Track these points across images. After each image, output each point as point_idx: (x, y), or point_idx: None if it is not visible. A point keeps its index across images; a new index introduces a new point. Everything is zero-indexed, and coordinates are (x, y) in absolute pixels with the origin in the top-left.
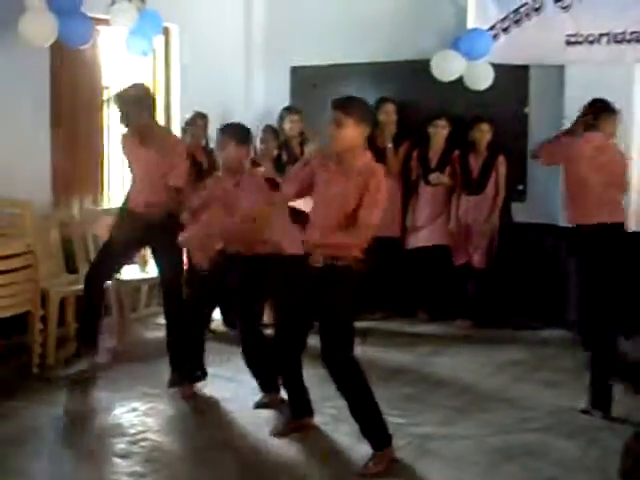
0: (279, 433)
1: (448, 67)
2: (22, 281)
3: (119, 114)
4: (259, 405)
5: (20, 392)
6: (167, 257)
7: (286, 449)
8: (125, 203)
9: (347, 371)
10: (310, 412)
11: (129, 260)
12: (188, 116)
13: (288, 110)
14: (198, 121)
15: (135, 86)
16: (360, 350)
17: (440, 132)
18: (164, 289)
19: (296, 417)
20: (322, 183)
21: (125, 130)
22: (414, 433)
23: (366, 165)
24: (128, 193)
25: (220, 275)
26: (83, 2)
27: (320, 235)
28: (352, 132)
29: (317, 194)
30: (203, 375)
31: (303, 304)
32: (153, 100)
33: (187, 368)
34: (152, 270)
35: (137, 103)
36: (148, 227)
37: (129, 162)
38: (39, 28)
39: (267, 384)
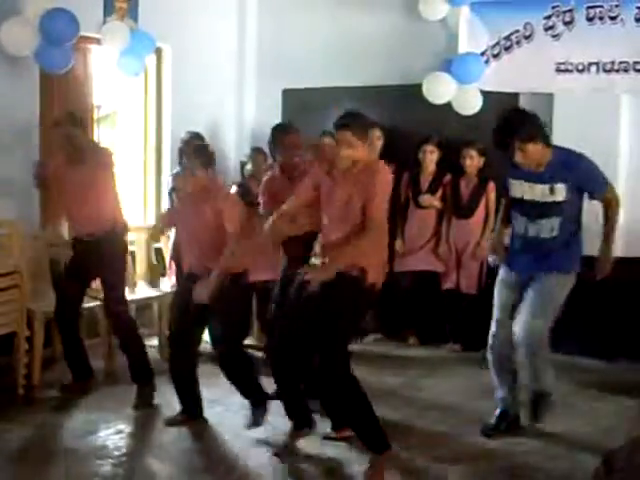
0: (282, 455)
1: (439, 89)
2: (8, 301)
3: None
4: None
5: (5, 413)
6: (111, 283)
7: (275, 472)
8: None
9: (347, 388)
10: (310, 424)
11: (85, 288)
12: (184, 137)
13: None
14: (195, 142)
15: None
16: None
17: (428, 157)
18: (111, 317)
19: (296, 428)
20: (327, 192)
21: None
22: (402, 456)
23: (367, 165)
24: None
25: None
26: (76, 35)
27: (334, 241)
28: (361, 149)
29: (324, 204)
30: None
31: (303, 314)
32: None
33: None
34: (141, 292)
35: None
36: (91, 256)
37: (60, 186)
38: (19, 38)
39: (256, 399)
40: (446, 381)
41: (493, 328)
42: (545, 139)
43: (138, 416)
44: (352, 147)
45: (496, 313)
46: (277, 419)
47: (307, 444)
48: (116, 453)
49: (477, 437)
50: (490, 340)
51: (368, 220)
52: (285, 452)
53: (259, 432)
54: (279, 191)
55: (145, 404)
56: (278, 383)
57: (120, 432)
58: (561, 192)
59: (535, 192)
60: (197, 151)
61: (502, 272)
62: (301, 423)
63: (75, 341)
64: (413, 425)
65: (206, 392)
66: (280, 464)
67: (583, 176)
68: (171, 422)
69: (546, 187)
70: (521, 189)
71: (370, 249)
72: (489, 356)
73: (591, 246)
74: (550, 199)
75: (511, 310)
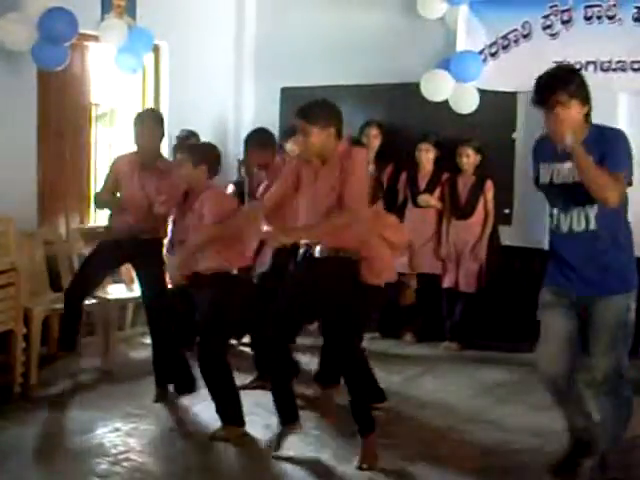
0: (276, 447)
1: (437, 87)
2: (4, 299)
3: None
4: (214, 438)
5: (1, 411)
6: (150, 274)
7: (269, 472)
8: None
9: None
10: (296, 417)
11: (108, 275)
12: (179, 134)
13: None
14: (190, 140)
15: (155, 111)
16: None
17: (424, 155)
18: (148, 307)
19: (285, 423)
20: (308, 180)
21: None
22: (397, 454)
23: (343, 151)
24: (112, 215)
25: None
26: (74, 35)
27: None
28: (318, 137)
29: (304, 193)
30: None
31: (299, 299)
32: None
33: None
34: (138, 289)
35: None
36: (132, 243)
37: (121, 184)
38: (16, 35)
39: (228, 414)
40: (443, 379)
41: (539, 362)
42: (587, 108)
43: (136, 414)
44: (308, 135)
45: (542, 345)
46: (274, 419)
47: (303, 443)
48: (113, 451)
49: (473, 435)
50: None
51: (344, 200)
52: (276, 447)
53: (257, 432)
54: None
55: (164, 398)
56: (273, 375)
57: (117, 430)
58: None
59: (564, 172)
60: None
61: (543, 293)
62: (289, 417)
63: (76, 314)
64: (410, 423)
65: (204, 391)
66: (277, 463)
67: (608, 147)
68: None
69: (574, 164)
70: (550, 172)
71: (350, 233)
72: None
73: None
74: (578, 178)
75: (569, 341)
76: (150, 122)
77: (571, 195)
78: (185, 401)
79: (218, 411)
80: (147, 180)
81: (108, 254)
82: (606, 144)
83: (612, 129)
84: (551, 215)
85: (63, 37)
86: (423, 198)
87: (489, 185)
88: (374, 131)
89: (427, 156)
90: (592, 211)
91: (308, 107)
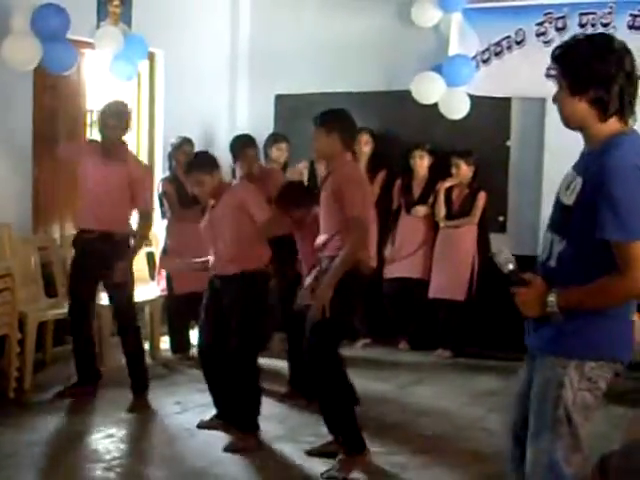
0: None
1: (428, 89)
2: (0, 304)
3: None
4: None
5: None
6: (118, 285)
7: (262, 478)
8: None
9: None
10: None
11: (97, 284)
12: (174, 141)
13: (275, 138)
14: (185, 147)
15: (116, 102)
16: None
17: (419, 162)
18: (119, 319)
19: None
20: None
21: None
22: (391, 462)
23: (340, 168)
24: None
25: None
26: (69, 28)
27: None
28: (324, 141)
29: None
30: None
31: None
32: (129, 118)
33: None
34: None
35: (115, 119)
36: (99, 255)
37: (85, 177)
38: (22, 52)
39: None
40: (437, 387)
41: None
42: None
43: (129, 420)
44: (315, 139)
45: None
46: (265, 424)
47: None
48: (107, 457)
49: (468, 442)
50: None
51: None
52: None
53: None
54: None
55: (141, 407)
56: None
57: (111, 436)
58: (574, 190)
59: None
60: (198, 159)
61: None
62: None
63: (86, 342)
64: (403, 431)
65: (199, 397)
66: (276, 470)
67: (597, 184)
68: (204, 425)
69: (569, 177)
70: (564, 183)
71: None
72: None
73: None
74: (563, 200)
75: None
76: None
77: (553, 217)
78: (177, 408)
79: (235, 418)
80: None
81: (82, 266)
82: (595, 173)
83: (613, 146)
84: None
85: (60, 30)
86: (418, 210)
87: (482, 195)
88: (365, 138)
89: (422, 163)
90: (559, 244)
91: (322, 113)
